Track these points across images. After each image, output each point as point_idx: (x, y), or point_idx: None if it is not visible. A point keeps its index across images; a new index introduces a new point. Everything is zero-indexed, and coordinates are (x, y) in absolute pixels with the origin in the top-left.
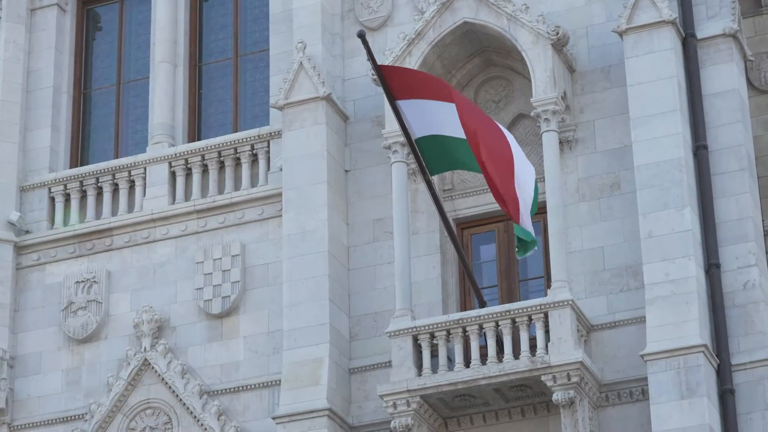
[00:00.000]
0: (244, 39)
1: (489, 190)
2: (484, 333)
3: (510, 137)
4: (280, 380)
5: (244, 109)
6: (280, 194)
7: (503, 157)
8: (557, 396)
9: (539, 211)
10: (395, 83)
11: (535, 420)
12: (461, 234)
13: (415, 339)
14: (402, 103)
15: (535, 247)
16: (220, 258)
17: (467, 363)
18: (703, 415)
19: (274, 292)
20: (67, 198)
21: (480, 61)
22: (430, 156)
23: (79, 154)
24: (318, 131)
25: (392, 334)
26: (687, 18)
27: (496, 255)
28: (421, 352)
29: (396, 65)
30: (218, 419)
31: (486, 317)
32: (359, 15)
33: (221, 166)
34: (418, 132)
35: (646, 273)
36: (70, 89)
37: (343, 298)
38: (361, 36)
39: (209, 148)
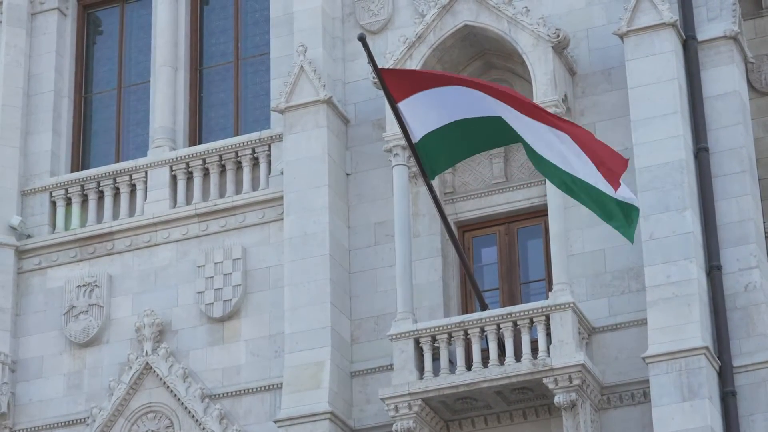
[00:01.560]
0: (244, 42)
1: (493, 192)
2: (486, 336)
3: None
4: (281, 384)
5: (245, 113)
6: (281, 197)
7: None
8: (559, 398)
9: (540, 213)
10: (396, 85)
11: (537, 422)
12: (462, 237)
13: (417, 342)
14: (404, 104)
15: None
16: (222, 261)
17: (469, 366)
18: (705, 417)
19: (275, 296)
20: (69, 202)
21: (480, 64)
22: (434, 154)
23: (80, 158)
24: (319, 134)
25: (394, 337)
26: (687, 20)
27: (498, 258)
28: (422, 355)
29: (397, 68)
30: (220, 423)
31: (487, 320)
32: (360, 18)
33: (222, 169)
34: (420, 131)
35: (647, 275)
36: (71, 93)
37: (344, 302)
38: (362, 39)
39: (210, 151)
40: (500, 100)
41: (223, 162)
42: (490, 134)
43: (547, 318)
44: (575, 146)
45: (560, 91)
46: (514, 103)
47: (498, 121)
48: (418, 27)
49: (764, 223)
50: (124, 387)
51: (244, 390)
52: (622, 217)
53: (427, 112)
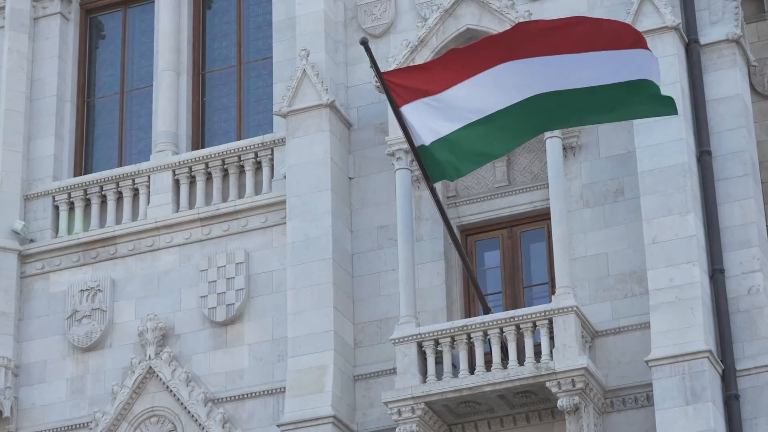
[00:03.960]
0: (247, 47)
1: (496, 196)
2: (489, 339)
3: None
4: (284, 388)
5: (248, 117)
6: (283, 202)
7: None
8: (562, 402)
9: (542, 217)
10: (399, 89)
11: (540, 426)
12: (465, 241)
13: (420, 346)
14: (406, 108)
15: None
16: (224, 266)
17: (472, 369)
18: (708, 420)
19: (278, 300)
20: (71, 206)
21: None
22: (443, 159)
23: (83, 163)
24: (321, 138)
25: (397, 341)
26: (690, 23)
27: (501, 261)
28: (425, 359)
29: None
30: (223, 427)
31: (490, 324)
32: (362, 22)
33: (225, 173)
34: (427, 137)
35: (650, 279)
36: (74, 98)
37: (347, 306)
38: (364, 43)
39: (213, 155)
40: (503, 59)
41: (225, 166)
42: (503, 134)
43: (550, 322)
44: (591, 55)
45: None
46: (519, 50)
47: (508, 114)
48: (420, 31)
49: (767, 226)
50: (127, 391)
51: (247, 394)
52: (656, 100)
53: (432, 116)
